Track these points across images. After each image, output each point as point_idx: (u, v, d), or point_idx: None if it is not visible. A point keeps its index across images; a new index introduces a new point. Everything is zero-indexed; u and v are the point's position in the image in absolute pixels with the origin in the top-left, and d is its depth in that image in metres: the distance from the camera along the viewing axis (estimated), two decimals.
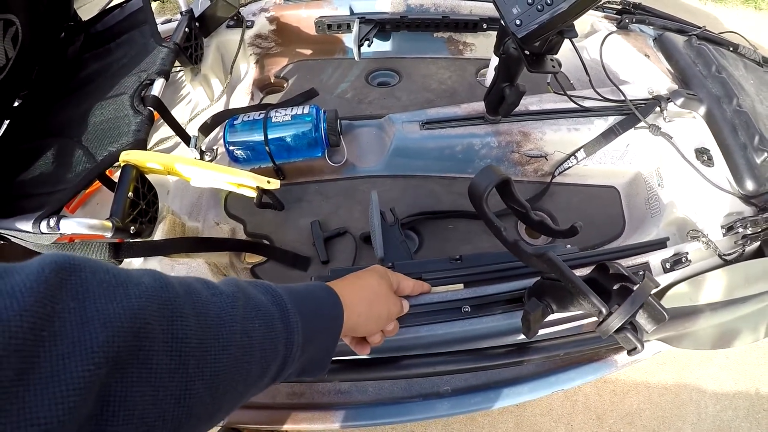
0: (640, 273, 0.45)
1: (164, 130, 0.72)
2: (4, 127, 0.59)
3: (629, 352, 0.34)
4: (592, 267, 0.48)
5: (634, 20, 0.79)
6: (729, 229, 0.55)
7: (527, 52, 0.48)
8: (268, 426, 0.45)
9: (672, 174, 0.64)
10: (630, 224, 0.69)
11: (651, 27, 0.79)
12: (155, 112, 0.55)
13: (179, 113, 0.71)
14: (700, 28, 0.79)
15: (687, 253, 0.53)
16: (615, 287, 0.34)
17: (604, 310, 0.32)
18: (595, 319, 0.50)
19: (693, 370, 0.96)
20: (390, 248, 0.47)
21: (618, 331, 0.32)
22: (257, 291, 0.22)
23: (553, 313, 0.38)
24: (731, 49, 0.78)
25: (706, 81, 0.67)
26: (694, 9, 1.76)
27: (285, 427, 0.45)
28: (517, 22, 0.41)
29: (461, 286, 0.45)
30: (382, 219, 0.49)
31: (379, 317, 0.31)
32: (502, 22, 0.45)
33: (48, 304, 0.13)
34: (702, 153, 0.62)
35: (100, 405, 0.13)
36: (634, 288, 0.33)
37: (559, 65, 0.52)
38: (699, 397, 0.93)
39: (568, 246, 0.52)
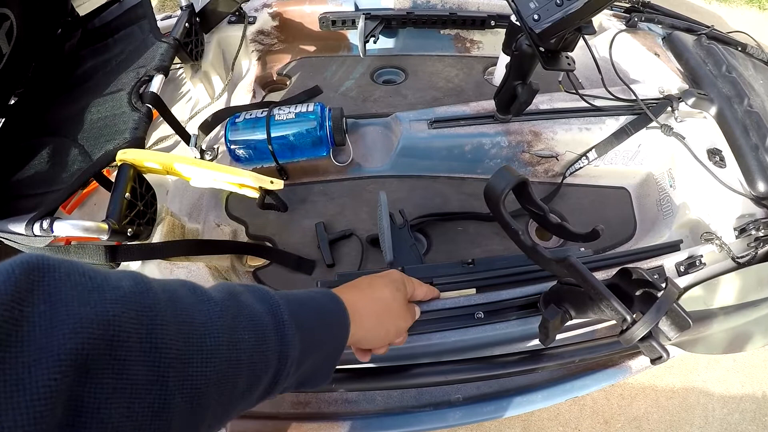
0: (656, 277, 0.43)
1: (163, 129, 0.70)
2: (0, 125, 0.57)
3: (653, 361, 0.33)
4: (606, 270, 0.48)
5: (642, 19, 0.77)
6: (742, 231, 0.54)
7: (542, 49, 0.47)
8: None
9: (684, 175, 0.62)
10: (641, 226, 0.68)
11: (659, 26, 0.78)
12: (154, 110, 0.53)
13: (179, 111, 0.69)
14: (708, 27, 0.78)
15: (701, 256, 0.51)
16: (637, 293, 0.33)
17: (629, 318, 0.31)
18: (610, 323, 0.49)
19: (700, 372, 0.95)
20: (399, 251, 0.45)
21: (643, 339, 0.31)
22: (252, 298, 0.20)
23: (571, 319, 0.37)
24: (740, 48, 0.77)
25: (716, 81, 0.65)
26: (699, 8, 1.76)
27: None
28: (535, 17, 0.40)
29: (473, 290, 0.44)
30: (391, 221, 0.47)
31: (387, 332, 0.29)
32: (517, 17, 0.43)
33: (16, 307, 0.12)
34: (714, 154, 0.61)
35: (71, 414, 0.12)
36: (658, 294, 0.31)
37: (574, 63, 0.50)
38: (706, 401, 0.92)
39: (582, 249, 0.50)
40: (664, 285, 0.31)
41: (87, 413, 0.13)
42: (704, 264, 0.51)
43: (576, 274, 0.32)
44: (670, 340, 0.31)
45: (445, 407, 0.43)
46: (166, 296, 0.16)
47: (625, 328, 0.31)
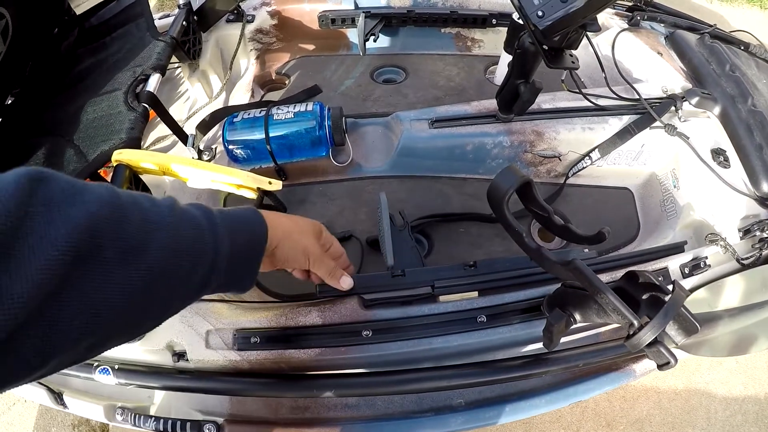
0: (661, 279, 0.43)
1: (161, 129, 0.69)
2: None
3: (660, 367, 0.32)
4: (611, 273, 0.47)
5: (645, 17, 0.77)
6: (746, 232, 0.53)
7: (545, 47, 0.46)
8: None
9: (688, 175, 0.61)
10: (645, 227, 0.67)
11: (662, 25, 0.77)
12: (150, 109, 0.52)
13: (176, 111, 0.69)
14: (711, 26, 0.77)
15: (706, 257, 0.51)
16: (644, 297, 0.32)
17: (636, 323, 0.30)
18: (614, 326, 0.48)
19: (703, 374, 0.95)
20: (400, 254, 0.44)
21: (650, 344, 0.30)
22: (191, 207, 0.25)
23: (576, 324, 0.36)
24: (743, 48, 0.76)
25: (720, 80, 0.65)
26: (699, 7, 1.75)
27: None
28: (539, 13, 0.39)
29: (476, 294, 0.43)
30: (391, 222, 0.46)
31: (305, 249, 0.33)
32: (520, 14, 0.42)
33: (23, 207, 0.16)
34: (718, 154, 0.60)
35: (58, 286, 0.16)
36: (666, 298, 0.30)
37: (577, 61, 0.49)
38: (708, 402, 0.91)
39: (586, 250, 0.50)
40: (671, 288, 0.30)
41: (70, 286, 0.17)
42: (709, 266, 0.50)
43: (581, 277, 0.32)
44: (677, 344, 0.31)
45: (446, 412, 0.42)
46: (131, 200, 0.21)
47: (632, 333, 0.30)
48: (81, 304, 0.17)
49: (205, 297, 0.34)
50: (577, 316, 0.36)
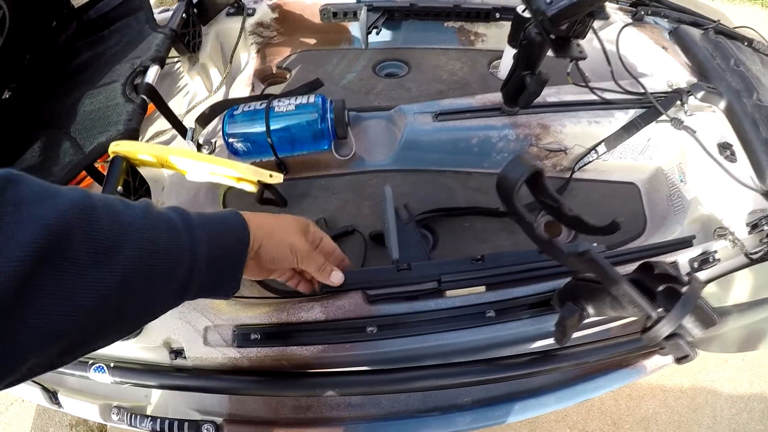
0: (677, 271, 0.42)
1: (159, 124, 0.68)
2: None
3: (679, 360, 0.31)
4: (620, 267, 0.46)
5: (649, 12, 0.76)
6: (754, 226, 0.52)
7: (553, 36, 0.45)
8: None
9: (695, 170, 0.60)
10: (651, 222, 0.66)
11: (666, 20, 0.77)
12: (149, 104, 0.51)
13: (176, 105, 0.67)
14: (714, 21, 0.77)
15: (715, 251, 0.50)
16: (659, 289, 0.31)
17: (654, 315, 0.29)
18: (624, 321, 0.47)
19: (709, 372, 0.94)
20: (405, 248, 0.43)
21: (668, 337, 0.29)
22: (167, 210, 0.25)
23: (588, 317, 0.35)
24: (746, 43, 0.76)
25: (725, 74, 0.64)
26: (701, 4, 1.75)
27: None
28: (547, 0, 0.38)
29: (483, 288, 0.42)
30: (396, 216, 0.45)
31: (284, 245, 0.32)
32: (527, 2, 0.41)
33: None
34: (725, 148, 0.59)
35: (24, 286, 0.16)
36: (682, 290, 0.29)
37: (584, 51, 0.48)
38: (714, 400, 0.91)
39: (595, 244, 0.48)
40: (688, 280, 0.29)
41: (39, 287, 0.17)
42: (718, 260, 0.49)
43: (596, 268, 0.30)
44: (693, 337, 0.29)
45: (453, 411, 0.41)
46: (103, 203, 0.21)
47: (649, 325, 0.29)
48: (52, 305, 0.17)
49: None
50: (590, 310, 0.34)
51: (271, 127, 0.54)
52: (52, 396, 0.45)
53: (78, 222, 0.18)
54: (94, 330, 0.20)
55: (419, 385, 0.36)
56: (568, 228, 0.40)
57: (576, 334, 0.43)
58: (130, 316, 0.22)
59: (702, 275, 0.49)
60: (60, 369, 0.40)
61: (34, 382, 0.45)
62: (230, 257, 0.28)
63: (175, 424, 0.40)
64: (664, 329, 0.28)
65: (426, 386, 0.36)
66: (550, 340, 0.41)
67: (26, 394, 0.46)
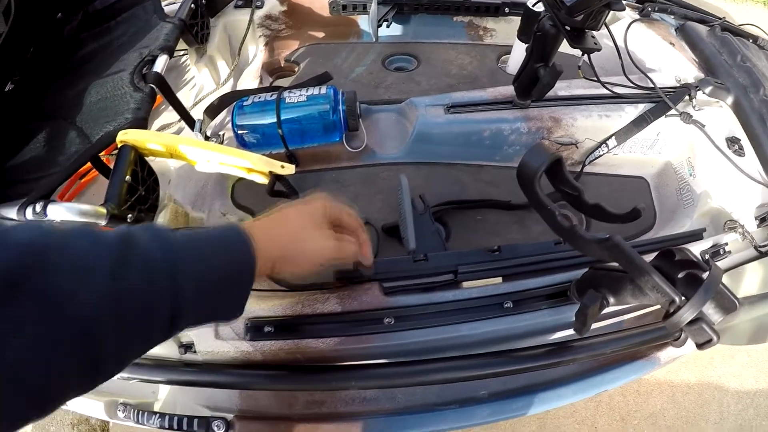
0: (697, 257, 0.41)
1: (166, 116, 0.67)
2: None
3: (701, 346, 0.31)
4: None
5: (656, 9, 0.77)
6: (762, 220, 0.52)
7: (568, 27, 0.45)
8: None
9: (704, 164, 0.61)
10: (661, 216, 0.66)
11: (672, 16, 0.77)
12: (158, 95, 0.50)
13: (183, 97, 0.66)
14: (720, 18, 0.77)
15: (726, 244, 0.50)
16: (680, 275, 0.30)
17: (678, 300, 0.28)
18: (638, 313, 0.46)
19: (716, 368, 0.94)
20: (421, 238, 0.42)
21: (691, 323, 0.28)
22: (148, 241, 0.21)
23: (608, 306, 0.34)
24: (752, 40, 0.76)
25: (732, 70, 0.64)
26: (705, 3, 1.77)
27: None
28: None
29: (500, 279, 0.41)
30: (412, 206, 0.44)
31: (306, 253, 0.28)
32: None
33: None
34: (733, 142, 0.59)
35: None
36: (704, 275, 0.29)
37: (598, 42, 0.48)
38: (721, 396, 0.91)
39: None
40: (709, 266, 0.29)
41: None
42: (729, 252, 0.49)
43: (620, 255, 0.30)
44: (714, 323, 0.29)
45: (471, 404, 0.40)
46: (59, 243, 0.18)
47: (672, 311, 0.29)
48: (18, 351, 0.15)
49: None
50: (611, 299, 0.34)
51: (282, 118, 0.53)
52: None
53: (27, 271, 0.16)
54: (40, 391, 0.17)
55: (439, 377, 0.36)
56: (588, 217, 0.40)
57: (595, 325, 0.43)
58: (97, 364, 0.19)
59: None
60: None
61: None
62: (229, 287, 0.24)
63: (185, 420, 0.39)
64: (687, 314, 0.28)
65: (446, 378, 0.36)
66: (568, 332, 0.41)
67: None
